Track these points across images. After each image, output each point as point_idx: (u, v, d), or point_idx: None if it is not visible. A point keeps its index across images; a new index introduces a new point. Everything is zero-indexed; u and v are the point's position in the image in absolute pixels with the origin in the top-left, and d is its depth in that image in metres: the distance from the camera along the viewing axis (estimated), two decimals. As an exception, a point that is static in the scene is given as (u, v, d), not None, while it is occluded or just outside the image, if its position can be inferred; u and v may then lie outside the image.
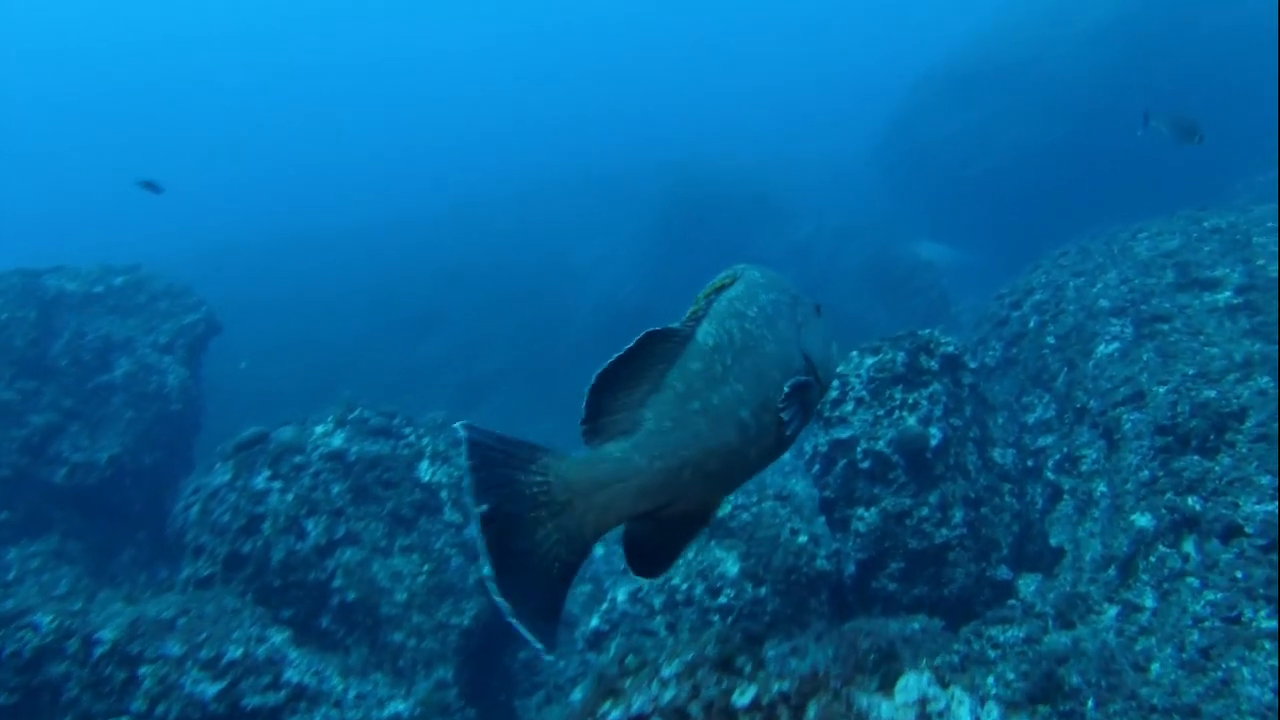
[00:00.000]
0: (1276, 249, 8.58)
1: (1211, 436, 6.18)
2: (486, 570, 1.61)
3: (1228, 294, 7.99)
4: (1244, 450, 6.05)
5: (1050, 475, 7.93)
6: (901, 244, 24.29)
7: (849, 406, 7.01)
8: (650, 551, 1.88)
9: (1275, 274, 8.03)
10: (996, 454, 7.65)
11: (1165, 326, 7.57)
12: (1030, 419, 9.05)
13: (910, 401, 6.84)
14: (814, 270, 24.30)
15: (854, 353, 7.23)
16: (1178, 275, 8.34)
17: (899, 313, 19.93)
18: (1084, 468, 7.65)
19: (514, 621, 1.58)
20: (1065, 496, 7.72)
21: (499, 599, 1.59)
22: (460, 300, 26.26)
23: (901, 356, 7.05)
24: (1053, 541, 7.59)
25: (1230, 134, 21.73)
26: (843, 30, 60.02)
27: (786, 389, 1.98)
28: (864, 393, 6.98)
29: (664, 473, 1.79)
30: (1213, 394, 6.43)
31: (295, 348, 23.61)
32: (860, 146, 30.85)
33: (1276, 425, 6.14)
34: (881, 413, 6.84)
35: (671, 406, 1.85)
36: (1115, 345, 8.01)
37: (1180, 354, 7.16)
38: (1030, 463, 8.35)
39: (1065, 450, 7.90)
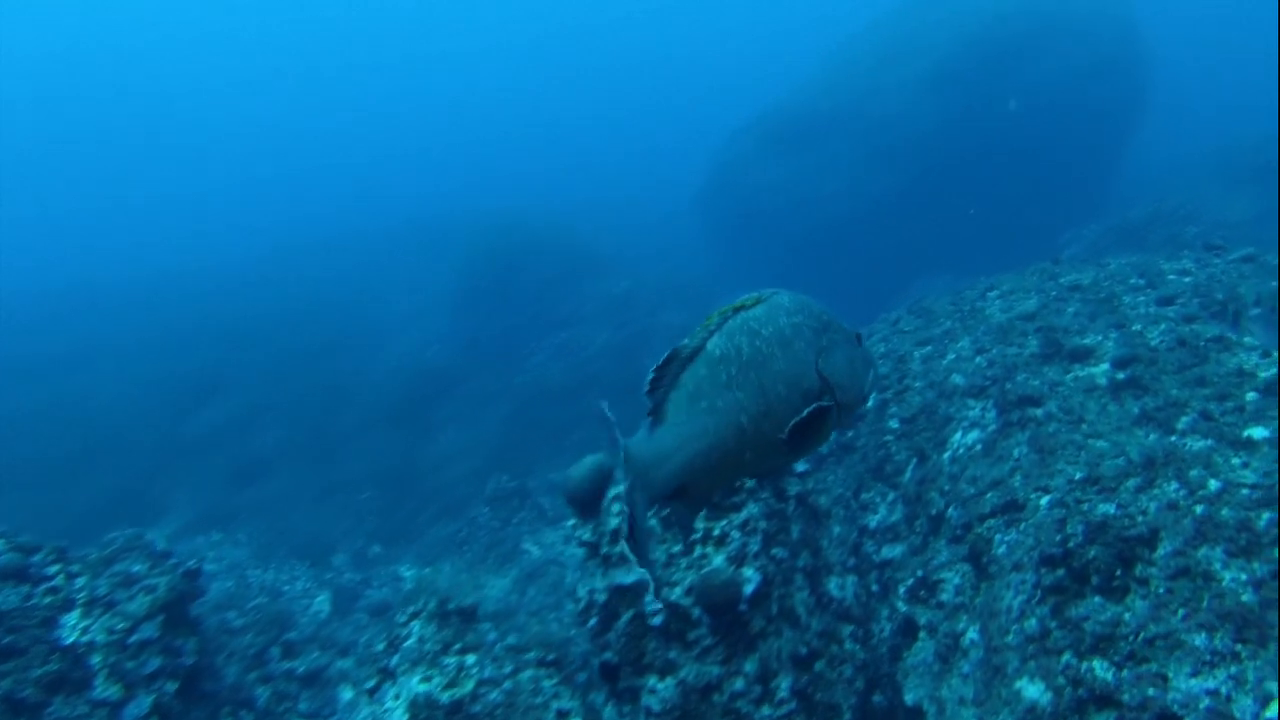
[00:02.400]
0: (1150, 311, 7.28)
1: (1118, 571, 4.56)
2: (625, 530, 2.09)
3: (1105, 367, 6.58)
4: (1161, 591, 4.50)
5: (902, 605, 6.24)
6: (726, 299, 22.94)
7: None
8: (682, 521, 2.39)
9: (1155, 342, 6.65)
10: (833, 585, 5.93)
11: (1037, 411, 6.06)
12: (872, 521, 7.44)
13: (717, 533, 5.00)
14: (633, 328, 22.83)
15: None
16: (1043, 344, 6.93)
17: None
18: (945, 596, 6.02)
19: (640, 570, 2.10)
20: (922, 634, 6.04)
21: (629, 553, 2.06)
22: (242, 364, 23.58)
23: (703, 465, 5.18)
24: (908, 698, 5.88)
25: (1056, 183, 21.80)
26: (666, 80, 59.92)
27: (791, 424, 2.22)
28: (654, 521, 5.11)
29: (687, 458, 2.17)
30: (1111, 509, 4.90)
31: (44, 416, 20.39)
32: (683, 197, 29.82)
33: (1199, 553, 4.59)
34: (678, 549, 4.97)
35: (684, 403, 2.21)
36: (976, 435, 6.48)
37: (1060, 449, 5.64)
38: (875, 585, 6.66)
39: (920, 573, 6.23)
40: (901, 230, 22.40)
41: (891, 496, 7.43)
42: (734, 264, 27.16)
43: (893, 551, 7.11)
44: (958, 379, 7.33)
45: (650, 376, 2.25)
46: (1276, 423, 5.79)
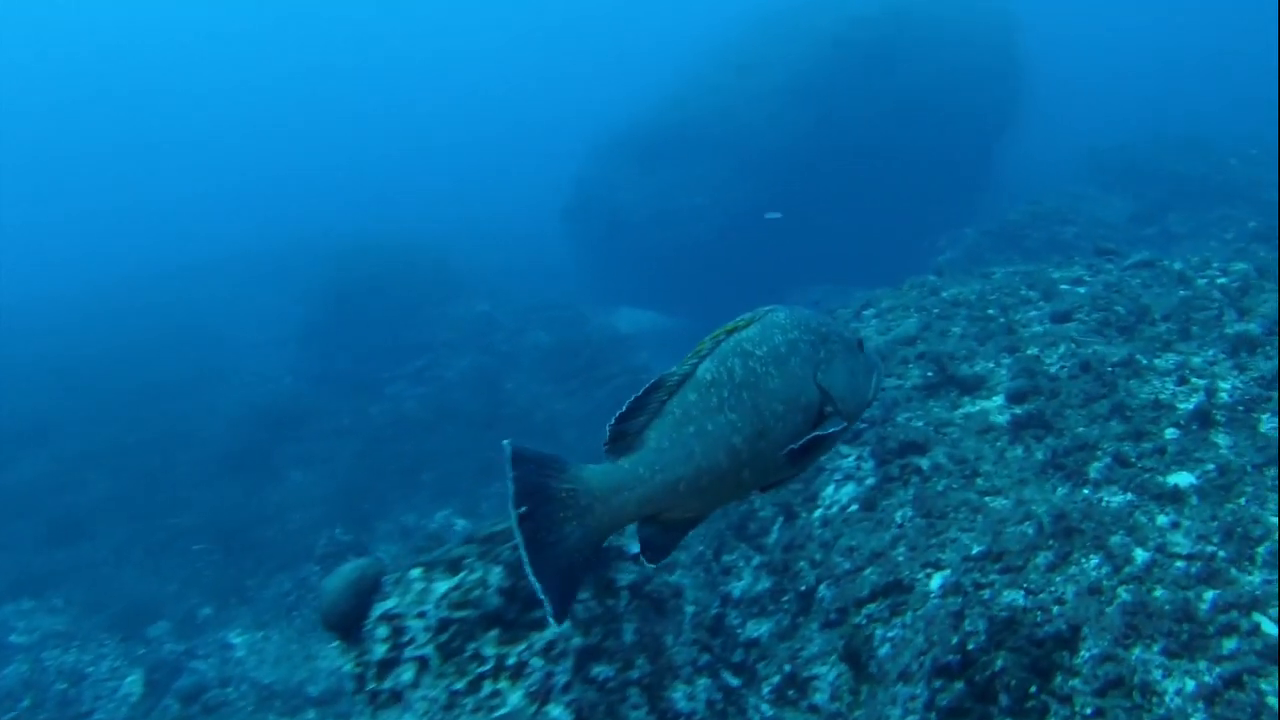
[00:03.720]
0: (1045, 329, 6.31)
1: (1032, 688, 3.47)
2: (524, 556, 2.04)
3: (1000, 400, 5.57)
4: (1088, 713, 3.39)
5: (768, 709, 5.06)
6: (595, 317, 22.02)
7: (406, 674, 3.81)
8: (654, 544, 2.28)
9: (1055, 368, 5.67)
10: (680, 695, 4.71)
11: (923, 461, 5.00)
12: (735, 589, 6.31)
13: (513, 661, 3.72)
14: (497, 353, 21.59)
15: (416, 571, 4.07)
16: (927, 374, 5.81)
17: (587, 402, 17.36)
18: (819, 698, 4.90)
19: (543, 598, 2.02)
20: (794, 747, 4.88)
21: (533, 580, 2.03)
22: (71, 406, 21.61)
23: (498, 575, 3.93)
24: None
25: (931, 186, 21.31)
26: (525, 93, 58.56)
27: (795, 446, 2.28)
28: (429, 649, 3.81)
29: (663, 484, 2.19)
30: (1019, 597, 3.87)
31: None
32: (546, 214, 28.78)
33: (1132, 655, 3.56)
34: (461, 685, 3.67)
35: (670, 429, 2.22)
36: (851, 489, 5.39)
37: (952, 511, 4.59)
38: (736, 679, 5.47)
39: (788, 667, 5.07)
40: (773, 242, 21.70)
41: (756, 561, 6.28)
42: (603, 281, 26.13)
43: (758, 629, 5.95)
44: (828, 419, 6.21)
45: (624, 409, 2.26)
46: (1203, 466, 4.82)
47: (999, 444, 5.29)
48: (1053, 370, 5.87)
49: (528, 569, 2.04)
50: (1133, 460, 4.97)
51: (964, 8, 23.65)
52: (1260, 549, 4.26)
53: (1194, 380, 5.43)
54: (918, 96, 21.90)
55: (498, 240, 30.41)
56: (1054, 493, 4.82)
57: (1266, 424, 5.01)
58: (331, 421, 19.81)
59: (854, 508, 5.40)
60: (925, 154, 21.56)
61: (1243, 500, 4.54)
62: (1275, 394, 5.20)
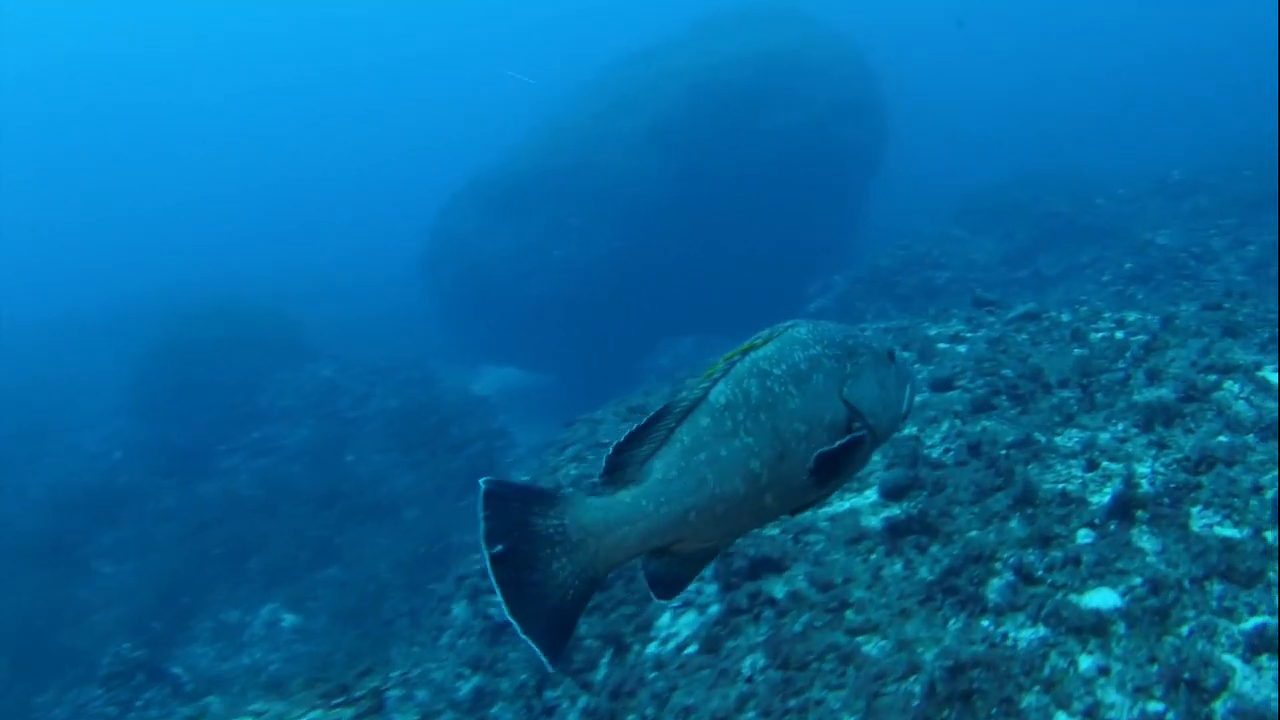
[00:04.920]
0: (924, 399, 5.29)
1: None
2: (500, 598, 1.97)
3: (873, 496, 4.66)
4: None
5: None
6: (451, 377, 20.76)
7: None
8: (665, 579, 2.21)
9: (939, 452, 4.62)
10: None
11: (778, 587, 3.98)
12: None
13: None
14: (340, 421, 20.04)
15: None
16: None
17: (436, 474, 15.98)
18: None
19: (524, 638, 1.96)
20: None
21: (510, 618, 1.96)
22: None
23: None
24: None
25: (796, 236, 20.77)
26: (389, 133, 56.70)
27: (812, 461, 2.21)
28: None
29: (669, 517, 2.10)
30: None
31: None
32: (400, 267, 27.50)
33: None
34: None
35: (678, 458, 2.14)
36: (691, 620, 4.29)
37: (816, 660, 3.66)
38: None
39: None
40: (640, 292, 20.84)
41: (583, 702, 5.01)
42: (463, 337, 24.89)
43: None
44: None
45: (623, 438, 2.18)
46: (1129, 581, 3.84)
47: (873, 558, 4.19)
48: (935, 455, 4.83)
49: (506, 612, 1.98)
50: (1040, 575, 3.94)
51: (828, 51, 23.41)
52: (1217, 705, 3.22)
53: (1106, 464, 4.45)
54: (784, 140, 21.48)
55: (349, 293, 28.90)
56: (944, 627, 3.72)
57: (1199, 520, 4.02)
58: (154, 503, 18.16)
59: (693, 648, 4.22)
60: (793, 199, 21.13)
61: (1185, 630, 3.54)
62: (1204, 480, 4.22)
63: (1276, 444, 4.42)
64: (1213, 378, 4.96)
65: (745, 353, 2.29)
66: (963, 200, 19.27)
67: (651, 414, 2.19)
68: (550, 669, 2.03)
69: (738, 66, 22.28)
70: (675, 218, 21.08)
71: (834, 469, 2.24)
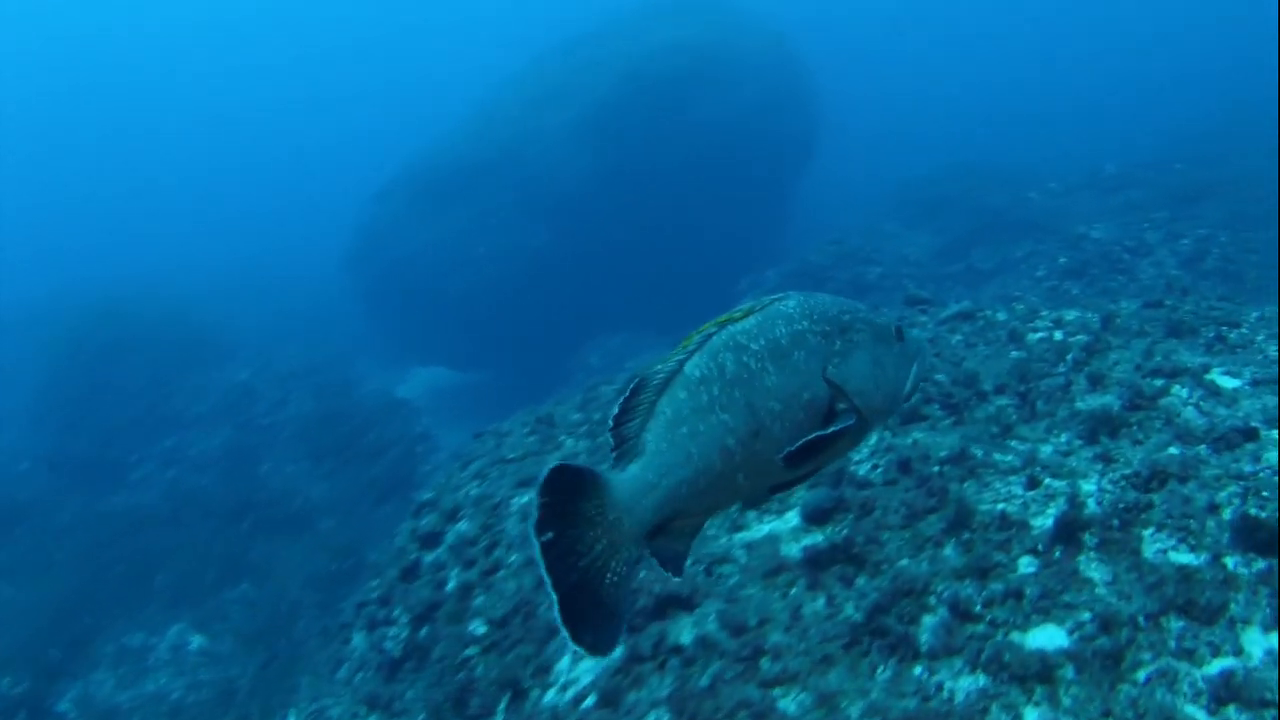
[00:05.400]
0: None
1: None
2: (550, 591, 1.86)
3: (794, 520, 4.12)
4: None
5: None
6: (373, 380, 20.21)
7: None
8: (669, 555, 2.12)
9: (866, 469, 4.19)
10: None
11: (684, 630, 3.43)
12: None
13: None
14: (255, 429, 19.37)
15: None
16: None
17: (354, 482, 15.36)
18: None
19: (564, 631, 1.86)
20: None
21: (560, 623, 1.86)
22: None
23: None
24: None
25: (728, 230, 20.39)
26: (311, 124, 55.17)
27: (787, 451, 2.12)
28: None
29: (670, 488, 2.06)
30: None
31: None
32: (328, 261, 26.71)
33: None
34: None
35: (665, 430, 2.09)
36: (588, 667, 3.67)
37: (727, 717, 2.86)
38: None
39: None
40: (571, 287, 20.37)
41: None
42: (390, 336, 24.21)
43: None
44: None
45: (615, 410, 2.12)
46: (1077, 616, 3.41)
47: (793, 593, 3.74)
48: (863, 472, 4.38)
49: (555, 612, 1.87)
50: (978, 611, 3.53)
51: (760, 42, 23.09)
52: (1186, 772, 2.83)
53: (1048, 481, 4.04)
54: (716, 132, 21.10)
55: (269, 292, 27.94)
56: (872, 677, 3.27)
57: (1151, 545, 3.62)
58: (55, 517, 17.26)
59: (591, 699, 3.72)
60: (725, 191, 20.74)
61: (1141, 676, 3.15)
62: (1156, 499, 3.83)
63: (1230, 456, 4.06)
64: (1159, 382, 4.59)
65: (722, 325, 2.21)
66: (896, 194, 19.07)
67: (631, 386, 2.14)
68: (608, 656, 2.11)
69: (669, 56, 21.89)
70: (605, 211, 20.70)
71: (807, 456, 2.14)
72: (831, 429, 2.14)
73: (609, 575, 1.96)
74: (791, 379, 2.16)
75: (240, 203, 45.03)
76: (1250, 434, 4.15)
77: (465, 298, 21.29)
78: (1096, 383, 4.68)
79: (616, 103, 21.29)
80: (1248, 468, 3.94)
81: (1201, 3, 42.94)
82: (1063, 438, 4.33)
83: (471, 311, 21.17)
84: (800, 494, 4.44)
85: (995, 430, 4.51)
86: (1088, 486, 3.97)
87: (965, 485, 4.16)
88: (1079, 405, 4.52)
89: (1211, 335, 5.24)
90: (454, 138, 24.05)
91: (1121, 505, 3.79)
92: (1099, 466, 4.07)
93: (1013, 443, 4.39)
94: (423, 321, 22.60)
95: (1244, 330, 5.39)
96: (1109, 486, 3.92)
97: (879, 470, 4.43)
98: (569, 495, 1.94)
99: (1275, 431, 4.21)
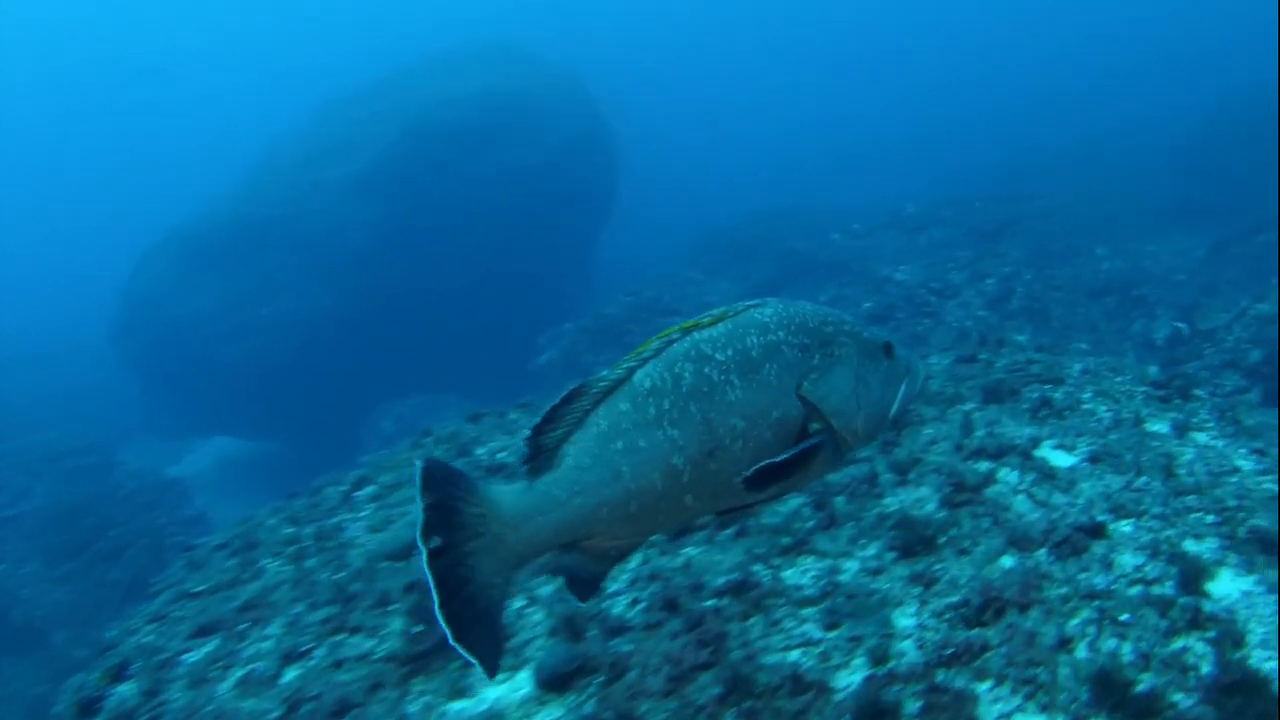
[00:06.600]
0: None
1: None
2: (435, 600, 1.77)
3: (525, 688, 2.85)
4: None
5: None
6: (138, 460, 18.61)
7: None
8: (580, 576, 2.02)
9: (623, 609, 3.06)
10: None
11: None
12: None
13: None
14: (-2, 520, 17.39)
15: None
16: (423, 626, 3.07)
17: (100, 585, 13.64)
18: None
19: (457, 646, 1.77)
20: None
21: (446, 628, 1.76)
22: None
23: None
24: None
25: (526, 285, 19.57)
26: (74, 182, 51.27)
27: (748, 473, 1.98)
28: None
29: (583, 509, 1.94)
30: None
31: None
32: (95, 333, 24.89)
33: None
34: None
35: (592, 444, 1.97)
36: None
37: None
38: None
39: None
40: (360, 349, 19.23)
41: None
42: (169, 407, 22.36)
43: None
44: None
45: (539, 419, 1.98)
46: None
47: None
48: (618, 610, 3.32)
49: (440, 615, 1.77)
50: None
51: (555, 90, 22.58)
52: None
53: (852, 618, 3.03)
54: (509, 184, 20.41)
55: (18, 365, 25.41)
56: None
57: (990, 707, 2.69)
58: None
59: None
60: (521, 245, 20.05)
61: None
62: (991, 635, 2.90)
63: (1076, 564, 3.18)
64: (984, 466, 3.76)
65: (688, 331, 2.07)
66: (698, 242, 18.58)
67: (566, 392, 2.02)
68: (491, 678, 1.84)
69: (456, 106, 21.15)
70: (396, 268, 19.83)
71: (772, 478, 1.98)
72: (786, 455, 1.98)
73: (490, 592, 1.85)
74: (760, 394, 2.03)
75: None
76: (1096, 530, 3.33)
77: (248, 364, 19.91)
78: (907, 471, 3.77)
79: (402, 155, 20.39)
80: (1099, 580, 3.09)
81: (994, 48, 45.18)
82: (871, 549, 3.39)
83: (256, 378, 19.78)
84: (537, 648, 3.33)
85: (787, 542, 3.52)
86: (904, 622, 3.02)
87: (749, 625, 3.14)
88: (889, 502, 3.60)
89: (1036, 397, 4.46)
90: (229, 197, 22.60)
91: (948, 650, 2.85)
92: (917, 591, 3.14)
93: (808, 560, 3.41)
94: (204, 391, 21.01)
95: (1069, 388, 4.66)
96: (931, 622, 2.99)
97: (639, 607, 3.38)
98: (452, 497, 1.83)
99: (1125, 524, 3.39)
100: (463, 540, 1.82)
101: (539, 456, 1.96)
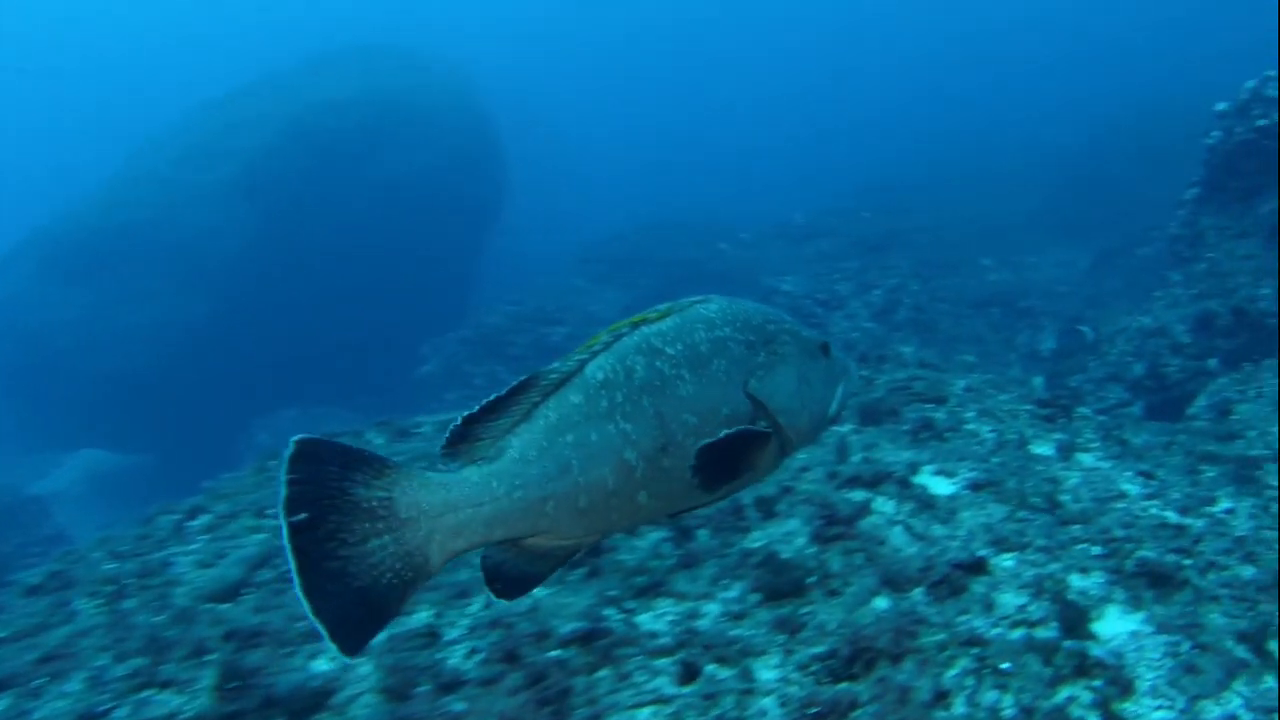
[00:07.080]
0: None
1: None
2: (294, 575, 1.67)
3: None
4: None
5: None
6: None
7: None
8: (510, 576, 1.93)
9: (455, 664, 2.63)
10: None
11: None
12: None
13: None
14: None
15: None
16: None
17: None
18: None
19: (314, 620, 1.66)
20: None
21: (300, 595, 1.66)
22: None
23: None
24: None
25: (408, 294, 19.08)
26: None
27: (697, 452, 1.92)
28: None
29: (524, 503, 1.86)
30: None
31: None
32: None
33: None
34: None
35: (540, 436, 1.89)
36: None
37: None
38: None
39: None
40: (234, 358, 18.52)
41: None
42: (30, 421, 21.27)
43: None
44: None
45: (476, 408, 1.88)
46: None
47: None
48: (454, 660, 2.95)
49: (296, 588, 1.66)
50: None
51: (443, 96, 22.11)
52: None
53: (711, 669, 2.77)
54: (393, 190, 19.92)
55: None
56: None
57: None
58: None
59: None
60: (404, 253, 19.53)
61: None
62: (861, 691, 2.60)
63: (955, 606, 2.91)
64: (859, 495, 3.46)
65: (636, 325, 2.02)
66: (585, 249, 18.32)
67: (514, 384, 1.91)
68: (349, 659, 1.72)
69: (338, 110, 20.51)
70: (272, 276, 19.13)
71: (722, 469, 1.94)
72: (734, 430, 1.91)
73: (381, 576, 1.72)
74: (710, 390, 2.00)
75: None
76: (977, 567, 3.08)
77: (116, 374, 19.03)
78: (777, 501, 3.48)
79: (282, 159, 19.71)
80: (979, 624, 2.83)
81: (888, 61, 46.01)
82: (733, 591, 3.08)
83: (125, 389, 18.93)
84: (362, 706, 2.92)
85: (642, 582, 3.19)
86: (766, 675, 2.72)
87: (596, 678, 2.80)
88: (755, 537, 3.29)
89: (916, 418, 4.23)
90: (95, 199, 21.53)
91: (812, 710, 2.54)
92: (781, 640, 2.84)
93: (665, 602, 3.08)
94: (70, 402, 19.99)
95: (952, 406, 4.45)
96: (796, 676, 2.68)
97: (477, 658, 3.00)
98: (338, 474, 1.70)
99: (1008, 558, 3.15)
100: (349, 521, 1.71)
101: (464, 443, 1.87)
